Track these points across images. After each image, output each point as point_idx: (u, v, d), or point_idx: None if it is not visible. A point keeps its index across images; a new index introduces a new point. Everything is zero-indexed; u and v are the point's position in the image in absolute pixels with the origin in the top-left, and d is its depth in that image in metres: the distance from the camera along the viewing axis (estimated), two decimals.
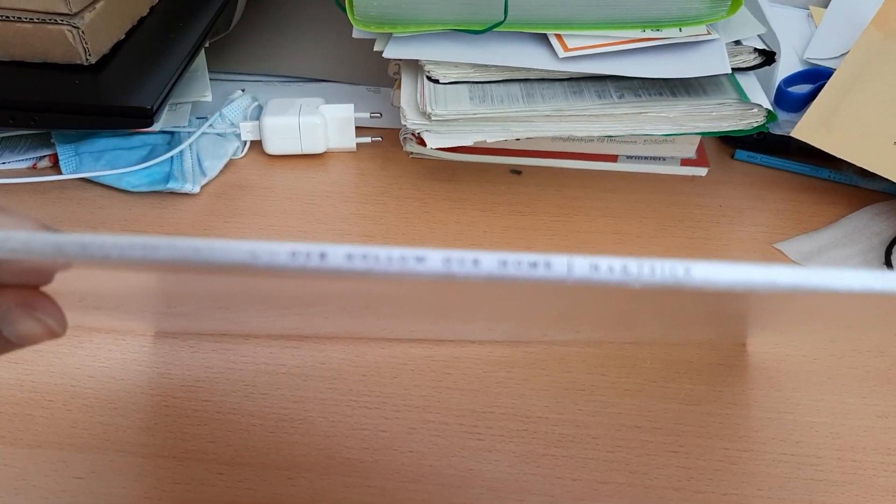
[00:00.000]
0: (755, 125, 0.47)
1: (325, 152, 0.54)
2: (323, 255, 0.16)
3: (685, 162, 0.53)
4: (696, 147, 0.53)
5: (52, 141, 0.51)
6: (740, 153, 0.55)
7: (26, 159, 0.52)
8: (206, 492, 0.34)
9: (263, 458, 0.35)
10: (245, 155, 0.54)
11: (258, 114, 0.53)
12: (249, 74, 0.60)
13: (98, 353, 0.39)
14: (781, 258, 0.47)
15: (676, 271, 0.16)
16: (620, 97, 0.47)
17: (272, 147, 0.53)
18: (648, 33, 0.47)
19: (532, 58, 0.47)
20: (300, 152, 0.53)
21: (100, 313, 0.32)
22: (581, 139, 0.51)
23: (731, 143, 0.57)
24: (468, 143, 0.46)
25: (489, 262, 0.16)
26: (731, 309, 0.29)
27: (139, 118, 0.46)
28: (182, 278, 0.22)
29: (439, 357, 0.40)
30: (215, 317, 0.34)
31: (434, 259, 0.16)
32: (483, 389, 0.38)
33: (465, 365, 0.39)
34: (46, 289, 0.22)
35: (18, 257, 0.16)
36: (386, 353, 0.40)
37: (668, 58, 0.47)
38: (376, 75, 0.59)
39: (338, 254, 0.16)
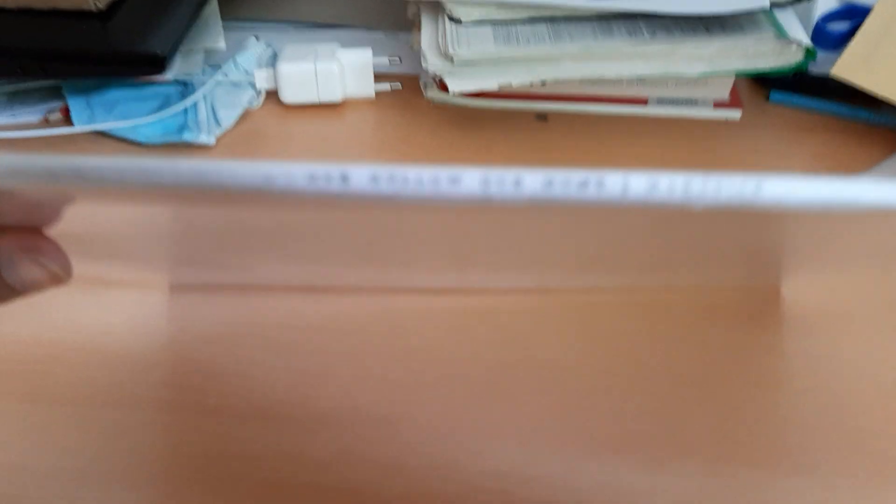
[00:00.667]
0: (794, 63, 0.45)
1: (343, 101, 0.52)
2: (345, 178, 0.14)
3: (718, 104, 0.51)
4: (729, 88, 0.50)
5: (63, 93, 0.50)
6: (776, 95, 0.53)
7: (37, 112, 0.50)
8: (229, 446, 0.33)
9: (287, 412, 0.34)
10: (261, 105, 0.52)
11: (273, 61, 0.51)
12: (263, 21, 0.58)
13: (117, 309, 0.38)
14: None
15: (745, 189, 0.14)
16: (652, 35, 0.44)
17: (288, 95, 0.51)
18: None
19: None
20: (317, 101, 0.51)
21: (110, 262, 0.31)
22: (610, 81, 0.49)
23: (765, 84, 0.54)
24: (492, 86, 0.44)
25: (533, 182, 0.14)
26: (771, 241, 0.27)
27: (151, 65, 0.44)
28: (195, 214, 0.21)
29: (467, 309, 0.38)
30: (232, 265, 0.33)
31: (471, 179, 0.14)
32: (512, 341, 0.37)
33: (493, 316, 0.38)
34: (52, 235, 0.20)
35: (4, 185, 0.14)
36: (411, 306, 0.38)
37: None
38: (395, 20, 0.57)
39: (361, 176, 0.14)
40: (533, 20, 0.46)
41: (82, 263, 0.21)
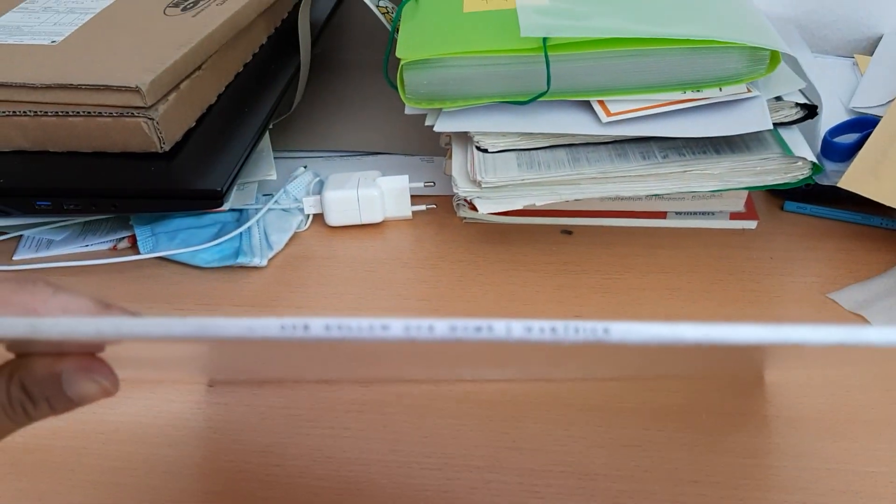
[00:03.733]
0: (800, 178, 0.48)
1: (383, 221, 0.56)
2: (306, 327, 0.19)
3: (734, 215, 0.54)
4: (744, 201, 0.54)
5: (131, 223, 0.55)
6: (790, 204, 0.56)
7: (107, 241, 0.55)
8: None
9: None
10: (308, 227, 0.56)
11: (320, 188, 0.56)
12: (311, 151, 0.64)
13: (177, 423, 0.42)
14: (835, 308, 0.48)
15: (596, 331, 0.19)
16: (665, 157, 0.48)
17: (333, 219, 0.55)
18: (689, 94, 0.48)
19: (576, 124, 0.49)
20: (359, 222, 0.56)
21: (153, 369, 0.36)
22: (628, 199, 0.53)
23: (780, 194, 0.57)
24: (518, 207, 0.48)
25: (441, 327, 0.19)
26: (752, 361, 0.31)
27: (210, 199, 0.49)
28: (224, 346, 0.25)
29: (498, 416, 0.41)
30: (274, 369, 0.37)
31: (397, 327, 0.19)
32: (541, 448, 0.39)
33: (523, 424, 0.41)
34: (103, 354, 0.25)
35: (66, 339, 0.20)
36: (446, 412, 0.41)
37: (710, 117, 0.48)
38: (429, 146, 0.62)
39: (318, 325, 0.19)
40: (553, 147, 0.50)
41: (129, 371, 0.26)
